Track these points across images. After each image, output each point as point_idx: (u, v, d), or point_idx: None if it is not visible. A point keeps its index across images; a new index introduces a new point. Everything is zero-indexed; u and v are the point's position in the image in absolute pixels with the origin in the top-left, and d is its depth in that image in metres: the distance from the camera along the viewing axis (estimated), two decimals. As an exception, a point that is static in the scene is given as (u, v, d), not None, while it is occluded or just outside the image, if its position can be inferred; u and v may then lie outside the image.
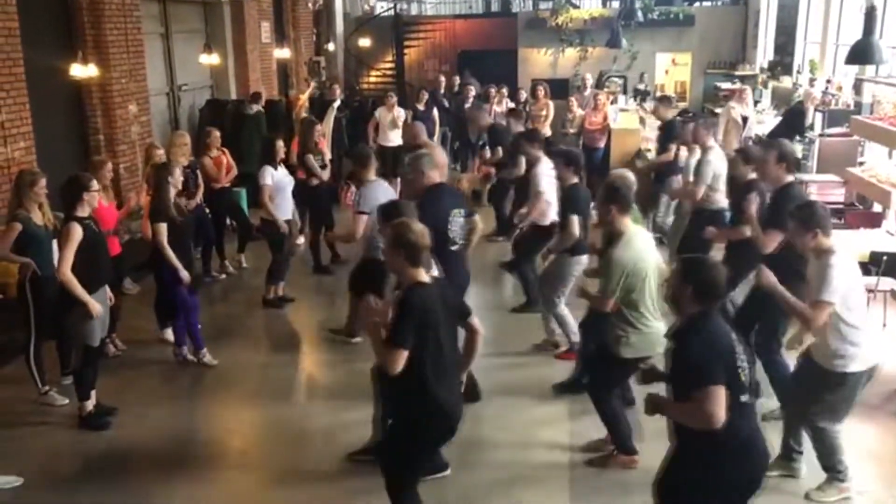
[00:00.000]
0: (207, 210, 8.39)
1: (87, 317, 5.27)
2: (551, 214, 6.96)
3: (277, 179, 7.64)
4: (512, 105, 12.57)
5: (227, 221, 9.34)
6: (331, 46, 17.35)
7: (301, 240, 9.63)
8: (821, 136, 9.57)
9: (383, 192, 6.29)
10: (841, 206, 7.70)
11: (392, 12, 17.53)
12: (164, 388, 6.22)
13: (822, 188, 8.47)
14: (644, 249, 4.71)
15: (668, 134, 8.87)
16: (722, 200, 6.85)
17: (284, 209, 7.73)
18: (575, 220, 6.04)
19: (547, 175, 6.99)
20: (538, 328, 6.75)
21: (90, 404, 5.53)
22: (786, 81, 13.13)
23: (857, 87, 10.40)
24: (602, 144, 11.18)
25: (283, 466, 5.13)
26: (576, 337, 6.16)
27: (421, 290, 3.70)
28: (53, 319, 5.76)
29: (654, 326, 4.64)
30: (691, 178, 7.21)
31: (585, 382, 5.22)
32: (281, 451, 5.30)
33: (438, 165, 5.90)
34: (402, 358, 3.60)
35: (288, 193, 7.79)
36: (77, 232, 5.19)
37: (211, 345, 6.69)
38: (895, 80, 8.70)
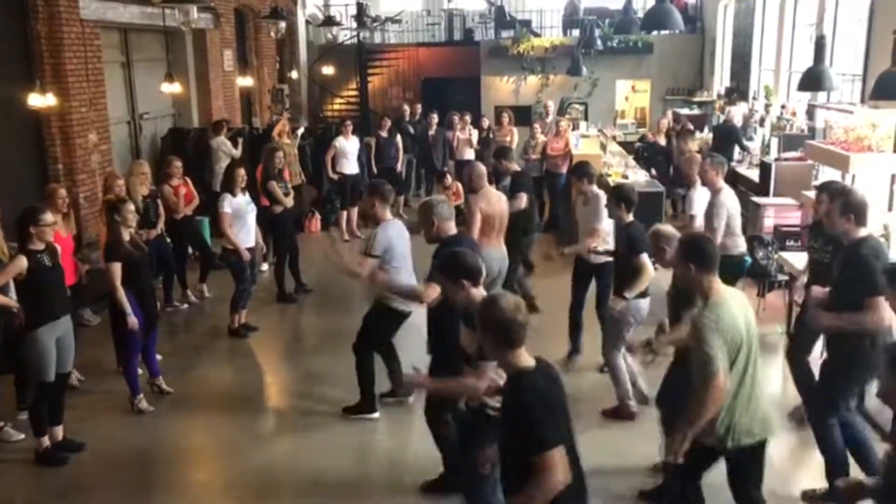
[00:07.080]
0: (168, 239, 8.31)
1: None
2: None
3: (237, 207, 7.60)
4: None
5: (189, 250, 9.25)
6: (294, 74, 17.35)
7: (265, 266, 9.56)
8: (777, 160, 9.79)
9: (398, 233, 5.76)
10: (797, 229, 7.89)
11: (355, 40, 17.61)
12: (124, 420, 6.09)
13: (779, 211, 8.66)
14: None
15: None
16: (741, 245, 6.46)
17: (246, 236, 7.68)
18: (645, 258, 5.42)
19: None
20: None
21: (47, 440, 5.41)
22: (742, 107, 13.44)
23: (810, 112, 10.67)
24: (564, 170, 11.29)
25: (248, 495, 5.06)
26: (628, 394, 5.67)
27: None
28: (8, 353, 5.64)
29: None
30: (694, 212, 6.76)
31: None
32: (247, 483, 5.22)
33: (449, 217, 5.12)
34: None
35: (250, 220, 7.74)
36: (18, 264, 5.12)
37: (174, 375, 6.62)
38: (845, 107, 8.94)
